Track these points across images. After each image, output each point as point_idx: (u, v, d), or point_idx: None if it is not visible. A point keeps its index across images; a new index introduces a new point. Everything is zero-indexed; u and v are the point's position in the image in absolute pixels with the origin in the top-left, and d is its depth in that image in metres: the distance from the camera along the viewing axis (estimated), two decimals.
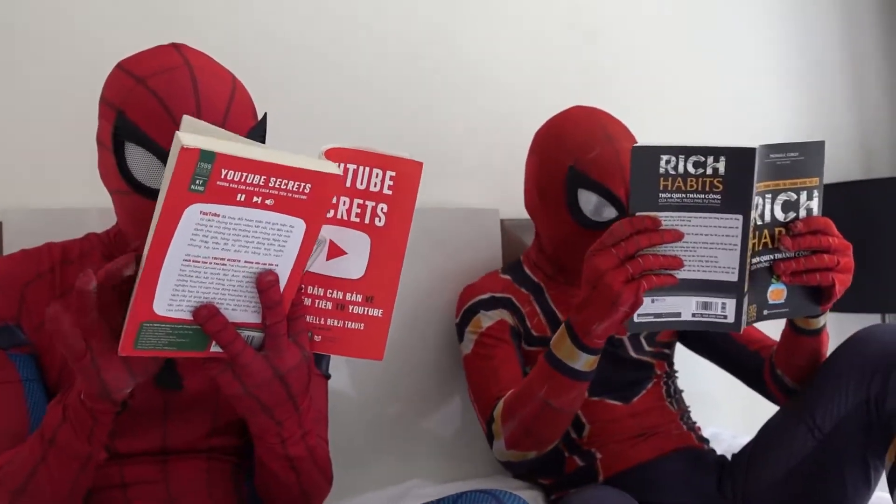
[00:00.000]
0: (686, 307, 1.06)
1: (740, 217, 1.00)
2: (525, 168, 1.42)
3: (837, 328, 2.30)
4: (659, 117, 2.02)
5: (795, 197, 1.05)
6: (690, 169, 1.00)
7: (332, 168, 0.70)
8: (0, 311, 0.93)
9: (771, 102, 2.21)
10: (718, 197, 1.00)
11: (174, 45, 0.93)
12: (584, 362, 1.11)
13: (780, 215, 1.05)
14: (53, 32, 1.31)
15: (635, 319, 1.04)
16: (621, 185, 1.28)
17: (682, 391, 1.49)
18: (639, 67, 1.99)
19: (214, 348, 0.74)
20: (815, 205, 1.07)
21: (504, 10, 1.79)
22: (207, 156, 0.63)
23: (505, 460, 1.27)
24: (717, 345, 1.45)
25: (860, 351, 1.19)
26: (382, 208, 0.78)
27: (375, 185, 0.78)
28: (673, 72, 2.04)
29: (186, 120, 0.70)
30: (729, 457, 1.47)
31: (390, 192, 0.78)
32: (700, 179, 1.00)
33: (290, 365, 0.77)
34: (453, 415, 1.58)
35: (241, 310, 0.73)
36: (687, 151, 0.99)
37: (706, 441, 1.42)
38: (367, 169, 0.77)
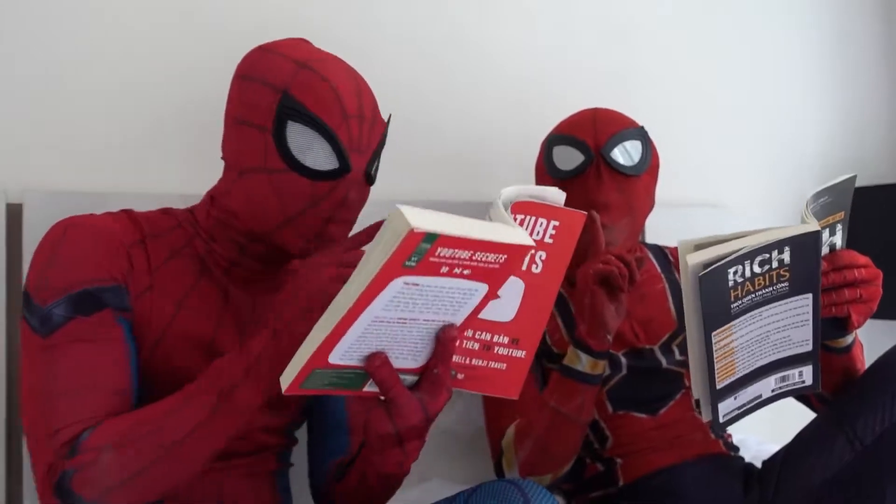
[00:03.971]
0: (765, 388, 1.04)
1: (810, 295, 0.98)
2: None
3: (868, 334, 2.26)
4: (687, 119, 1.98)
5: None
6: (757, 269, 0.95)
7: (528, 239, 0.70)
8: (112, 269, 0.89)
9: (804, 104, 2.17)
10: (786, 284, 0.97)
11: (304, 41, 0.96)
12: (586, 363, 1.16)
13: None
14: (76, 11, 1.28)
15: (721, 420, 1.02)
16: (590, 132, 1.32)
17: None
18: (666, 68, 1.95)
19: (368, 387, 0.76)
20: (838, 239, 1.05)
21: (530, 7, 1.75)
22: (431, 237, 0.63)
23: None
24: None
25: None
26: (541, 256, 0.78)
27: (538, 234, 0.78)
28: (702, 71, 2.00)
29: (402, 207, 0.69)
30: (757, 464, 1.43)
31: (551, 241, 0.78)
32: (767, 275, 0.96)
33: (439, 408, 0.78)
34: (474, 415, 1.55)
35: (402, 358, 0.75)
36: (752, 255, 0.94)
37: (735, 449, 1.39)
38: (534, 218, 0.77)
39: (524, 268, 0.79)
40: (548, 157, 1.36)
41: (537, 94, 1.75)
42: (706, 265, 0.92)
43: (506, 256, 0.69)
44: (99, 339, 0.85)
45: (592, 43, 1.83)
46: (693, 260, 0.92)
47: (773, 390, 1.05)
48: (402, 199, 1.55)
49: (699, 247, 0.96)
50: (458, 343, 0.78)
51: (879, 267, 1.97)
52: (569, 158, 1.33)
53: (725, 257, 0.92)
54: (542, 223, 0.77)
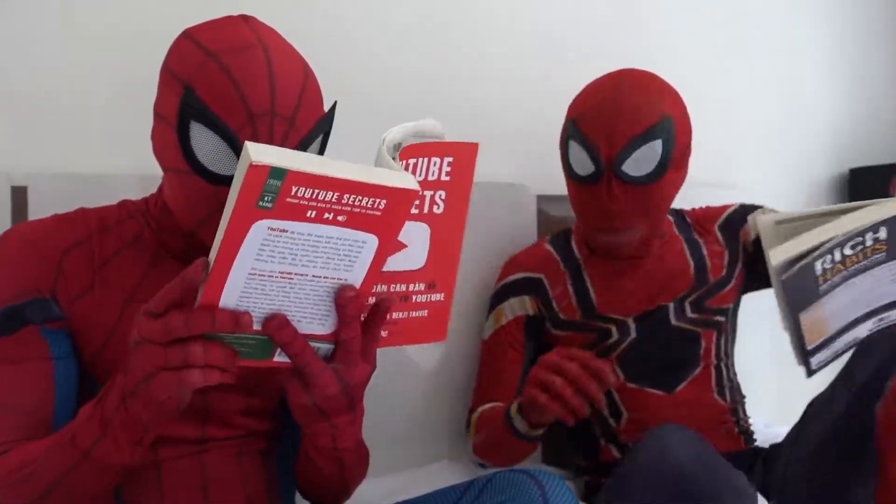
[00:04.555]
0: (861, 331, 1.04)
1: None
2: None
3: None
4: (697, 99, 1.96)
5: None
6: (848, 252, 0.93)
7: (409, 182, 0.65)
8: (35, 281, 0.87)
9: (812, 83, 2.15)
10: (883, 254, 0.96)
11: (244, 18, 0.87)
12: (521, 427, 1.16)
13: None
14: None
15: (813, 368, 1.02)
16: (603, 136, 1.23)
17: (736, 376, 1.40)
18: (676, 48, 1.93)
19: (279, 358, 0.72)
20: None
21: None
22: (277, 173, 0.59)
23: (474, 460, 1.35)
24: None
25: None
26: (440, 195, 0.75)
27: (433, 174, 0.74)
28: (713, 52, 1.98)
29: (250, 145, 0.62)
30: (764, 446, 1.42)
31: (448, 178, 0.75)
32: (860, 253, 0.94)
33: (359, 380, 0.74)
34: None
35: (306, 322, 0.70)
36: (842, 242, 0.91)
37: (754, 441, 1.36)
38: (426, 160, 0.72)
39: (426, 210, 0.75)
40: (565, 148, 1.30)
41: (544, 52, 1.72)
42: (791, 262, 0.89)
43: (385, 201, 0.65)
44: (19, 360, 0.85)
45: (603, 36, 1.81)
46: (776, 259, 0.89)
47: (869, 330, 1.05)
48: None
49: (779, 223, 0.93)
50: (369, 301, 0.74)
51: None
52: (582, 162, 1.26)
53: (812, 251, 0.89)
54: (435, 162, 0.73)
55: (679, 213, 1.47)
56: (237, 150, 0.81)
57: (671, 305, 1.32)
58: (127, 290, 0.90)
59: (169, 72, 0.84)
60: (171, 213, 0.91)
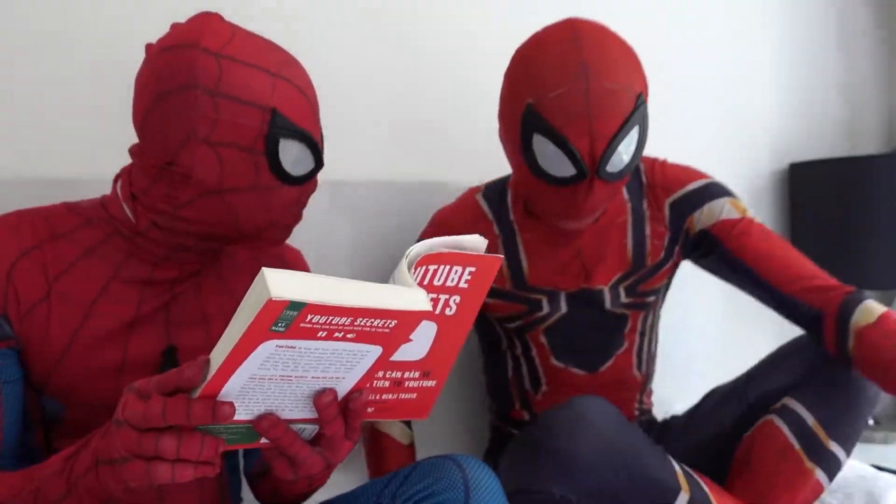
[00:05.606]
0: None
1: None
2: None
3: None
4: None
5: None
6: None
7: (421, 303, 0.66)
8: None
9: (759, 78, 2.17)
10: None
11: (214, 20, 0.88)
12: None
13: None
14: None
15: None
16: (584, 135, 1.07)
17: (656, 344, 1.36)
18: (625, 35, 1.93)
19: (266, 439, 0.73)
20: None
21: None
22: (296, 305, 0.59)
23: None
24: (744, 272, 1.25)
25: (802, 347, 1.21)
26: (455, 300, 0.75)
27: (453, 281, 0.74)
28: (660, 47, 2.00)
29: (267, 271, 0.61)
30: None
31: (466, 286, 0.75)
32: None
33: (342, 458, 0.75)
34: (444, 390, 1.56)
35: (297, 410, 0.71)
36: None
37: (647, 413, 1.38)
38: (448, 267, 0.73)
39: (437, 311, 0.75)
40: (526, 140, 1.11)
41: (499, 70, 1.73)
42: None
43: (396, 322, 0.65)
44: None
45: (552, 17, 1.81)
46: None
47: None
48: (405, 177, 1.58)
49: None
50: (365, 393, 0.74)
51: (832, 241, 1.99)
52: (557, 164, 1.10)
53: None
54: (457, 270, 0.73)
55: (637, 168, 1.30)
56: (314, 148, 0.88)
57: (606, 290, 1.25)
58: (86, 304, 0.87)
59: (238, 101, 0.84)
60: (177, 230, 0.88)
